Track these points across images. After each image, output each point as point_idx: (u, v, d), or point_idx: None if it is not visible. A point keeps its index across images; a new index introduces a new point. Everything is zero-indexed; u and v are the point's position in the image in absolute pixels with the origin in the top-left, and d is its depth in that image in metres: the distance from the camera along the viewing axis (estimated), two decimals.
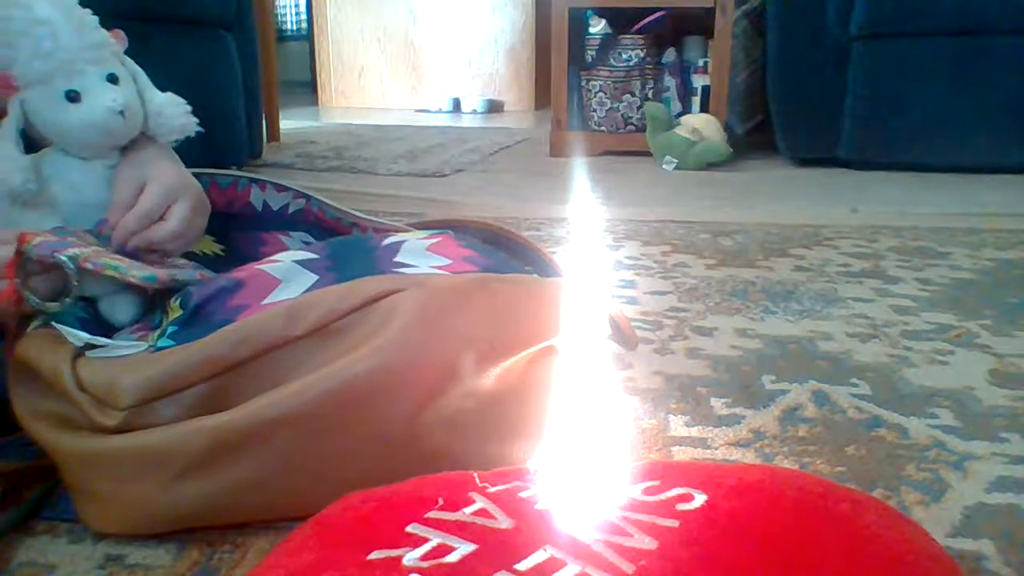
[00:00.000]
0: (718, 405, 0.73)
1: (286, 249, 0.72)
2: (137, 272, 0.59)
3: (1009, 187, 1.83)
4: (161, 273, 0.61)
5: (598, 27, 2.29)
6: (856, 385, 0.77)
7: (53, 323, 0.57)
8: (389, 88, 4.16)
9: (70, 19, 0.63)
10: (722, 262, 1.24)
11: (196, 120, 0.71)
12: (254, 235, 0.80)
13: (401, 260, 0.62)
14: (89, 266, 0.57)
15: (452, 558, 0.37)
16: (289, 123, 3.04)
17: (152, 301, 0.65)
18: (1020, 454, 0.64)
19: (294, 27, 5.08)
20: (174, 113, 0.69)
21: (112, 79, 0.65)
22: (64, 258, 0.56)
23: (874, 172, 2.02)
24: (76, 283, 0.57)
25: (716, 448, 0.65)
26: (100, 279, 0.59)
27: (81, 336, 0.55)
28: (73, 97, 0.63)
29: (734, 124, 2.34)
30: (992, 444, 0.66)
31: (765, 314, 0.99)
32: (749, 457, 0.64)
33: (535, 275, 0.66)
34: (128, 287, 0.62)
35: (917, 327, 0.94)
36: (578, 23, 2.29)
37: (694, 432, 0.68)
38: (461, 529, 0.40)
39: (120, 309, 0.63)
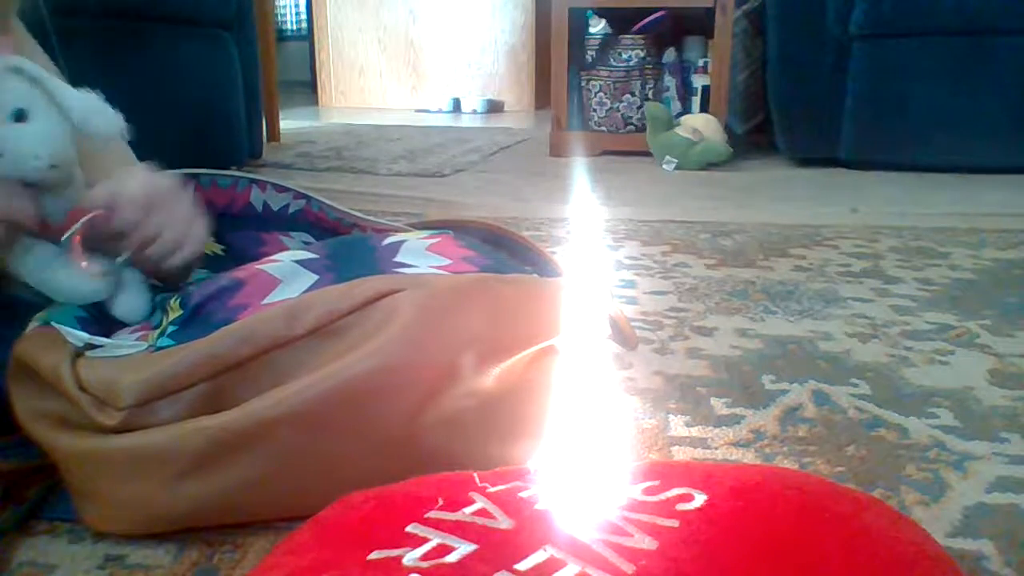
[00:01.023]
0: (718, 405, 0.73)
1: (286, 249, 0.72)
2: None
3: (1009, 187, 1.83)
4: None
5: (598, 27, 2.29)
6: (856, 385, 0.77)
7: (53, 323, 0.57)
8: (389, 88, 4.16)
9: None
10: (722, 262, 1.24)
11: (122, 116, 0.62)
12: (254, 235, 0.80)
13: (401, 260, 0.62)
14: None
15: (452, 558, 0.37)
16: (289, 123, 3.04)
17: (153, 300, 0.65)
18: (1020, 454, 0.64)
19: (294, 27, 5.08)
20: (100, 116, 0.61)
21: (19, 116, 0.56)
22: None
23: (874, 172, 2.02)
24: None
25: (716, 448, 0.65)
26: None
27: (81, 336, 0.55)
28: None
29: (734, 124, 2.34)
30: (992, 444, 0.66)
31: (765, 314, 0.99)
32: (749, 457, 0.64)
33: (535, 275, 0.66)
34: (134, 288, 0.63)
35: (917, 327, 0.94)
36: (578, 23, 2.29)
37: (694, 432, 0.68)
38: (461, 529, 0.40)
39: (131, 308, 0.63)
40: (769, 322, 0.96)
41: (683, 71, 2.31)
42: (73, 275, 0.60)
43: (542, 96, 3.77)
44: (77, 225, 0.59)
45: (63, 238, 0.59)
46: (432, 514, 0.41)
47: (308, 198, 0.80)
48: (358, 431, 0.52)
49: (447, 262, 0.61)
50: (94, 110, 0.60)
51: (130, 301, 0.63)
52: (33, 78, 0.58)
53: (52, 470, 0.55)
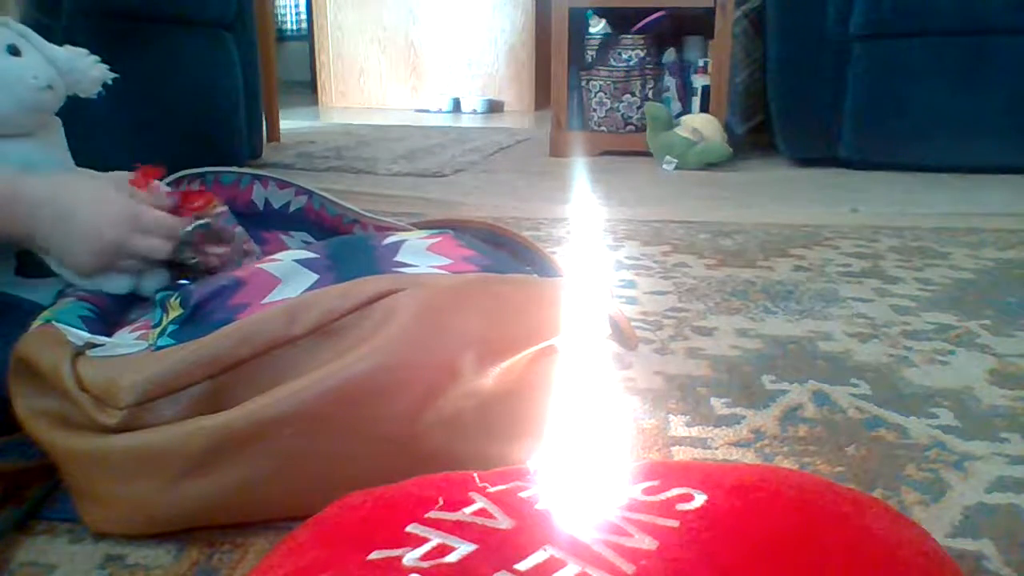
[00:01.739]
0: (718, 405, 0.73)
1: (287, 248, 0.72)
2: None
3: (1009, 187, 1.83)
4: None
5: (598, 27, 2.29)
6: (856, 385, 0.77)
7: (53, 322, 0.57)
8: (389, 88, 4.16)
9: None
10: (722, 262, 1.24)
11: (107, 67, 0.67)
12: (255, 234, 0.80)
13: (401, 260, 0.62)
14: (247, 247, 0.65)
15: (452, 558, 0.37)
16: (289, 123, 3.04)
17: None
18: (1020, 454, 0.64)
19: (294, 27, 5.08)
20: (85, 66, 0.66)
21: (13, 51, 0.61)
22: (240, 232, 0.64)
23: (874, 172, 2.02)
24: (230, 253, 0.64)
25: (716, 448, 0.65)
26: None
27: (81, 335, 0.55)
28: None
29: (734, 124, 2.33)
30: (992, 444, 0.66)
31: (765, 314, 0.99)
32: (749, 457, 0.64)
33: (535, 275, 0.66)
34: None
35: (917, 327, 0.94)
36: (578, 23, 2.29)
37: (694, 432, 0.68)
38: (461, 529, 0.40)
39: (151, 281, 0.66)
40: (769, 322, 0.96)
41: (683, 71, 2.31)
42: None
43: (542, 96, 3.77)
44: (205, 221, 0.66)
45: (191, 228, 0.65)
46: (432, 514, 0.41)
47: (310, 194, 0.80)
48: (358, 431, 0.52)
49: (447, 262, 0.61)
50: (78, 60, 0.65)
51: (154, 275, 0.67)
52: (20, 31, 0.63)
53: (52, 470, 0.55)
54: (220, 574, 0.49)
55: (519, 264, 0.71)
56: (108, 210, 0.61)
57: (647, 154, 2.20)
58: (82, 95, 0.67)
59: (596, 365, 0.64)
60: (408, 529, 0.40)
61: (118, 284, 0.65)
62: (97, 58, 0.67)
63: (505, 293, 0.58)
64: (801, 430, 0.68)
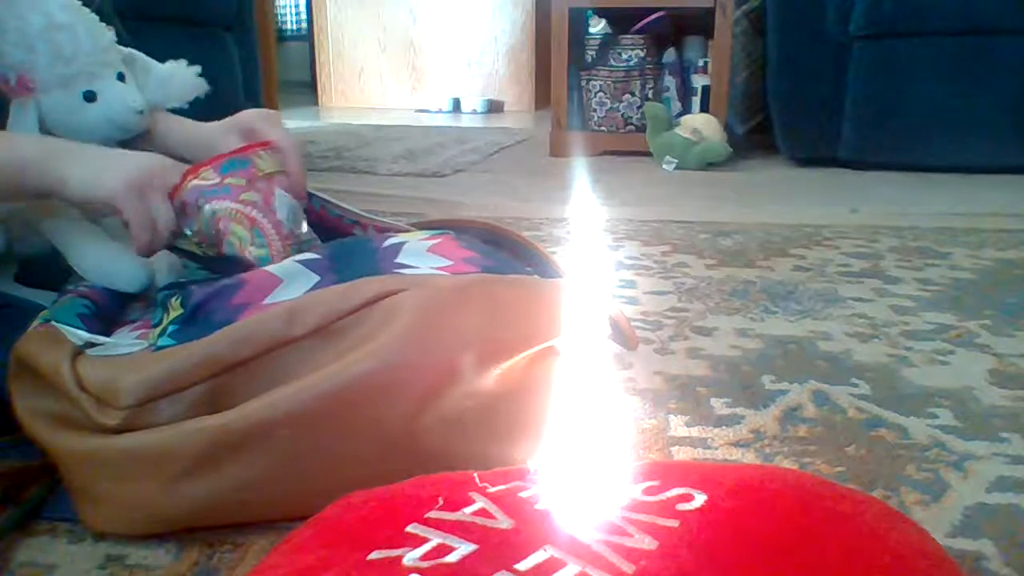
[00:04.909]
0: (718, 405, 0.73)
1: None
2: (253, 250, 0.62)
3: (1009, 187, 1.83)
4: (276, 253, 0.64)
5: (598, 27, 2.29)
6: (856, 385, 0.77)
7: (53, 322, 0.57)
8: (389, 88, 4.16)
9: (83, 23, 0.65)
10: (722, 262, 1.24)
11: (204, 80, 0.73)
12: None
13: (402, 261, 0.62)
14: (220, 226, 0.61)
15: (452, 558, 0.37)
16: (289, 123, 3.04)
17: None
18: (1020, 454, 0.64)
19: (294, 27, 5.08)
20: (185, 76, 0.72)
21: (121, 78, 0.67)
22: (208, 209, 0.61)
23: (874, 172, 2.02)
24: (204, 234, 0.62)
25: (716, 448, 0.65)
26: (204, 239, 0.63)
27: (81, 335, 0.55)
28: (90, 97, 0.65)
29: (734, 124, 2.33)
30: (992, 444, 0.66)
31: (765, 314, 0.99)
32: (749, 457, 0.64)
33: (536, 276, 0.66)
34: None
35: (917, 327, 0.94)
36: (578, 23, 2.29)
37: (694, 432, 0.68)
38: (461, 529, 0.40)
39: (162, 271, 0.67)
40: (769, 322, 0.96)
41: (683, 71, 2.31)
42: (123, 265, 0.64)
43: (542, 96, 3.77)
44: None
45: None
46: (432, 514, 0.41)
47: (310, 195, 0.80)
48: (358, 431, 0.52)
49: (448, 263, 0.61)
50: (179, 70, 0.73)
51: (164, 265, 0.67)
52: (126, 56, 0.70)
53: (52, 470, 0.55)
54: (220, 574, 0.49)
55: (520, 265, 0.71)
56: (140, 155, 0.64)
57: (647, 154, 2.20)
58: (173, 103, 0.73)
59: (596, 365, 0.64)
60: (408, 529, 0.40)
61: (134, 278, 0.65)
62: (197, 69, 0.73)
63: (506, 294, 0.58)
64: (801, 430, 0.68)
